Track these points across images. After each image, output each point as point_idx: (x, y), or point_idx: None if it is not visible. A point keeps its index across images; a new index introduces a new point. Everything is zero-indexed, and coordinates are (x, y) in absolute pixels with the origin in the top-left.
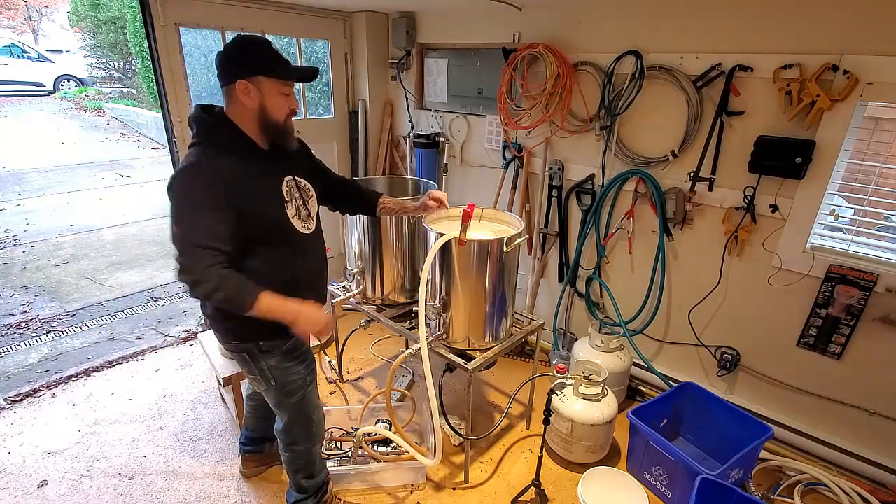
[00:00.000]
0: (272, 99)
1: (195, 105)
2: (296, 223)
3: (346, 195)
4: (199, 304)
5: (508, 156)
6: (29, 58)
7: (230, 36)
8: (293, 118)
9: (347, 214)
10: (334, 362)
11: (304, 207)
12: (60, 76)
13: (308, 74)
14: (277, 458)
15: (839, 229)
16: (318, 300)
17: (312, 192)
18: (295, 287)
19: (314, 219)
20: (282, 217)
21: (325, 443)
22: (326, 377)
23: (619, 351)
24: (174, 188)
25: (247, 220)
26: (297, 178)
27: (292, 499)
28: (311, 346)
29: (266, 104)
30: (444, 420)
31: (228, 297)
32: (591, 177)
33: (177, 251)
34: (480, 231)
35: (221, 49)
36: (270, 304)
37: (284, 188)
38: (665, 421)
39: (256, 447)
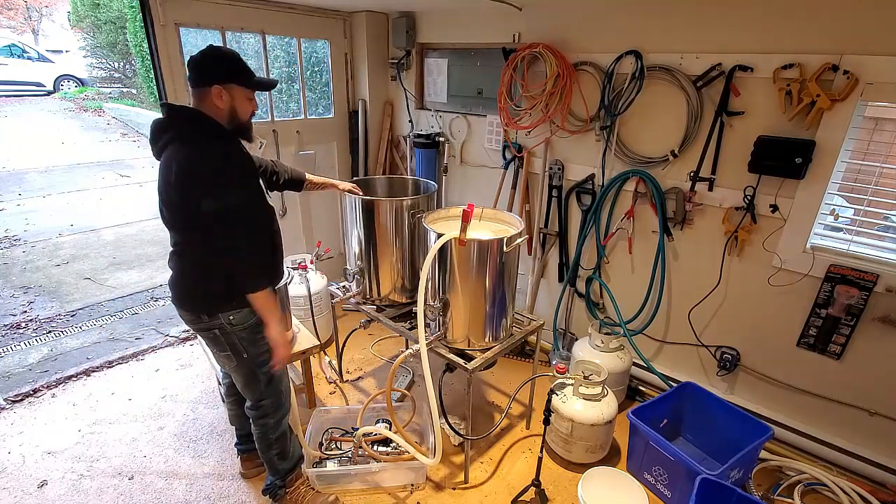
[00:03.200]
0: (241, 102)
1: (166, 104)
2: (270, 199)
3: (277, 177)
4: (168, 280)
5: (508, 156)
6: (29, 58)
7: (230, 36)
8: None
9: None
10: (334, 362)
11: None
12: (60, 76)
13: (272, 86)
14: None
15: (839, 229)
16: (281, 275)
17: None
18: (275, 253)
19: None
20: (264, 194)
21: (324, 443)
22: (326, 377)
23: (619, 351)
24: (196, 170)
25: (251, 194)
26: None
27: (266, 482)
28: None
29: (236, 106)
30: (444, 420)
31: (252, 268)
32: (591, 177)
33: (214, 221)
34: (480, 231)
35: (195, 55)
36: (268, 300)
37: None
38: (665, 421)
39: (250, 445)
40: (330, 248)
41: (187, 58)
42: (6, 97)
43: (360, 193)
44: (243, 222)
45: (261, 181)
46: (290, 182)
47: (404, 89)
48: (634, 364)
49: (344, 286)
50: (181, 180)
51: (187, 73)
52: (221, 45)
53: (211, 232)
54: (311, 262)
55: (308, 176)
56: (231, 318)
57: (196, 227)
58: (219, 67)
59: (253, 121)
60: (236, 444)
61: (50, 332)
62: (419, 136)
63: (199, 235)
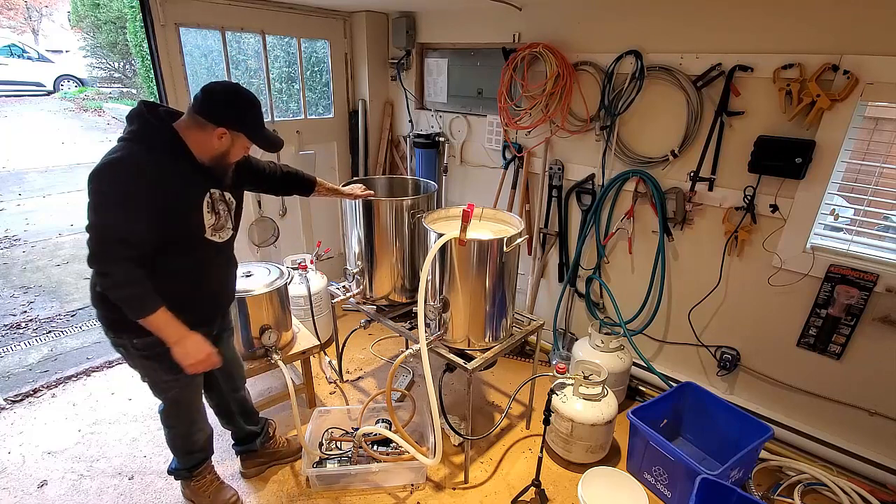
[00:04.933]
0: (237, 149)
1: (140, 101)
2: (210, 233)
3: (281, 181)
4: (89, 294)
5: (508, 156)
6: (29, 58)
7: (230, 36)
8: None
9: (283, 196)
10: (334, 362)
11: (224, 219)
12: (60, 76)
13: (277, 147)
14: (275, 456)
15: (839, 229)
16: (218, 306)
17: (234, 205)
18: (198, 290)
19: (231, 230)
20: (199, 226)
21: (324, 443)
22: (327, 377)
23: (619, 351)
24: (100, 179)
25: (164, 223)
26: (223, 192)
27: (171, 465)
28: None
29: (231, 151)
30: (444, 420)
31: (128, 297)
32: (591, 177)
33: (92, 239)
34: (480, 231)
35: (217, 86)
36: (161, 322)
37: (207, 199)
38: (665, 421)
39: (245, 445)
40: (330, 248)
41: (187, 58)
42: (6, 97)
43: (374, 194)
44: (126, 247)
45: (204, 214)
46: (297, 184)
47: (404, 89)
48: (634, 364)
49: (344, 286)
50: (95, 182)
51: (199, 96)
52: (223, 49)
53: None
54: (311, 262)
55: (320, 180)
56: (135, 341)
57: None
58: (235, 112)
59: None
60: (233, 446)
61: (50, 332)
62: (419, 136)
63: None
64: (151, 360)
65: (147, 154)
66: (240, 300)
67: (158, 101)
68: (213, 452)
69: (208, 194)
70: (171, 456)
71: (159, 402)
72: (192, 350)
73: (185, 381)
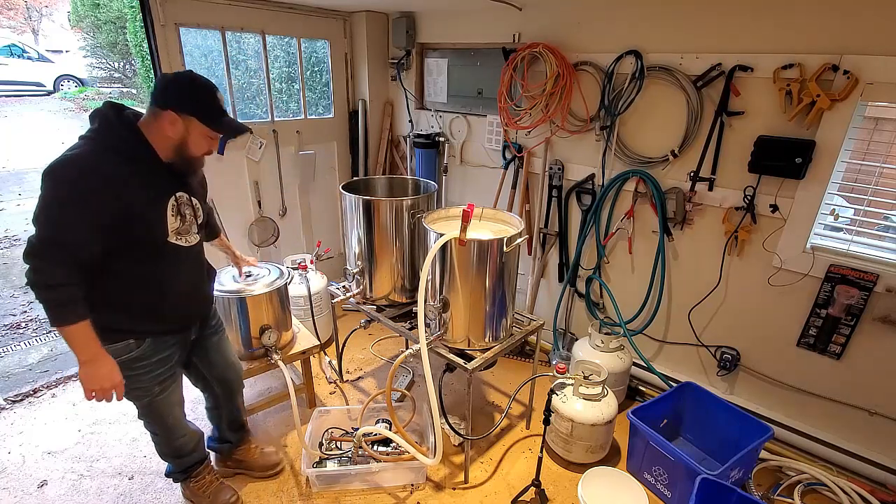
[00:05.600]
0: (196, 138)
1: (105, 101)
2: (173, 237)
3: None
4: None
5: (508, 156)
6: (29, 58)
7: (230, 36)
8: (207, 156)
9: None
10: (334, 362)
11: (189, 224)
12: (60, 76)
13: (239, 132)
14: (243, 465)
15: (839, 229)
16: (189, 312)
17: (200, 210)
18: (164, 297)
19: (197, 234)
20: (160, 230)
21: (324, 443)
22: (327, 377)
23: (619, 351)
24: (53, 177)
25: (121, 225)
26: (190, 196)
27: (167, 468)
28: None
29: (188, 141)
30: (444, 420)
31: (53, 301)
32: (591, 177)
33: (35, 234)
34: (480, 231)
35: (171, 73)
36: (77, 335)
37: (172, 202)
38: (665, 421)
39: (219, 445)
40: (330, 248)
41: (187, 58)
42: (6, 97)
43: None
44: (63, 250)
45: (167, 217)
46: (208, 232)
47: (404, 89)
48: (634, 364)
49: (344, 286)
50: (46, 182)
51: (154, 85)
52: (223, 49)
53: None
54: (311, 262)
55: (222, 236)
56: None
57: None
58: (182, 93)
59: (218, 153)
60: (208, 439)
61: (50, 332)
62: (419, 136)
63: None
64: (120, 366)
65: (104, 153)
66: (240, 300)
67: None
68: (207, 454)
69: (174, 197)
70: None
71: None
72: (99, 375)
73: (157, 388)
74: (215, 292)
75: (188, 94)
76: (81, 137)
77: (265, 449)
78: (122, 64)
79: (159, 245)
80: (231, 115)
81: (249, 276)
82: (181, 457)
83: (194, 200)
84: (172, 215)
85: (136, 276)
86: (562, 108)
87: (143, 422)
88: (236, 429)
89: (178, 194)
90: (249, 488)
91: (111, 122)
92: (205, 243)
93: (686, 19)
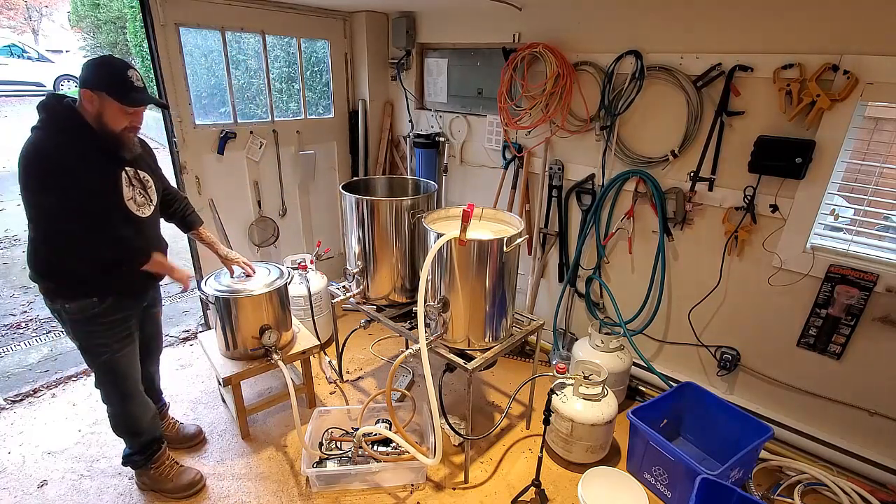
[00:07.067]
0: (111, 113)
1: (48, 93)
2: (131, 206)
3: (173, 209)
4: (35, 263)
5: (508, 156)
6: (29, 58)
7: (230, 36)
8: (135, 132)
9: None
10: (334, 362)
11: (141, 195)
12: (60, 76)
13: (144, 103)
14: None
15: (839, 229)
16: (147, 280)
17: (151, 184)
18: (128, 263)
19: (152, 206)
20: (118, 199)
21: (325, 443)
22: (327, 377)
23: (619, 351)
24: (22, 168)
25: (83, 199)
26: (138, 170)
27: (124, 452)
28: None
29: (104, 114)
30: (444, 420)
31: (63, 269)
32: (591, 177)
33: (29, 215)
34: (480, 231)
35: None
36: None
37: (123, 175)
38: (665, 421)
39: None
40: (330, 248)
41: (187, 58)
42: (6, 97)
43: (251, 272)
44: (51, 221)
45: (122, 188)
46: (179, 217)
47: (404, 89)
48: (634, 364)
49: (344, 286)
50: (18, 169)
51: None
52: (223, 49)
53: (31, 223)
54: (311, 262)
55: (202, 228)
56: (66, 306)
57: (28, 216)
58: (93, 72)
59: (141, 135)
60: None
61: (50, 332)
62: (419, 136)
63: (31, 224)
64: (82, 324)
65: (55, 137)
66: (240, 300)
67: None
68: (164, 440)
69: (124, 171)
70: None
71: (94, 379)
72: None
73: (116, 345)
74: (215, 291)
75: (98, 72)
76: (35, 128)
77: (181, 422)
78: None
79: (118, 212)
80: (151, 94)
81: (250, 275)
82: (139, 433)
83: (141, 174)
84: (126, 186)
85: (101, 240)
86: (562, 108)
87: (101, 393)
88: (154, 392)
89: (126, 168)
90: (248, 489)
91: (54, 108)
92: (198, 243)
93: (686, 19)
